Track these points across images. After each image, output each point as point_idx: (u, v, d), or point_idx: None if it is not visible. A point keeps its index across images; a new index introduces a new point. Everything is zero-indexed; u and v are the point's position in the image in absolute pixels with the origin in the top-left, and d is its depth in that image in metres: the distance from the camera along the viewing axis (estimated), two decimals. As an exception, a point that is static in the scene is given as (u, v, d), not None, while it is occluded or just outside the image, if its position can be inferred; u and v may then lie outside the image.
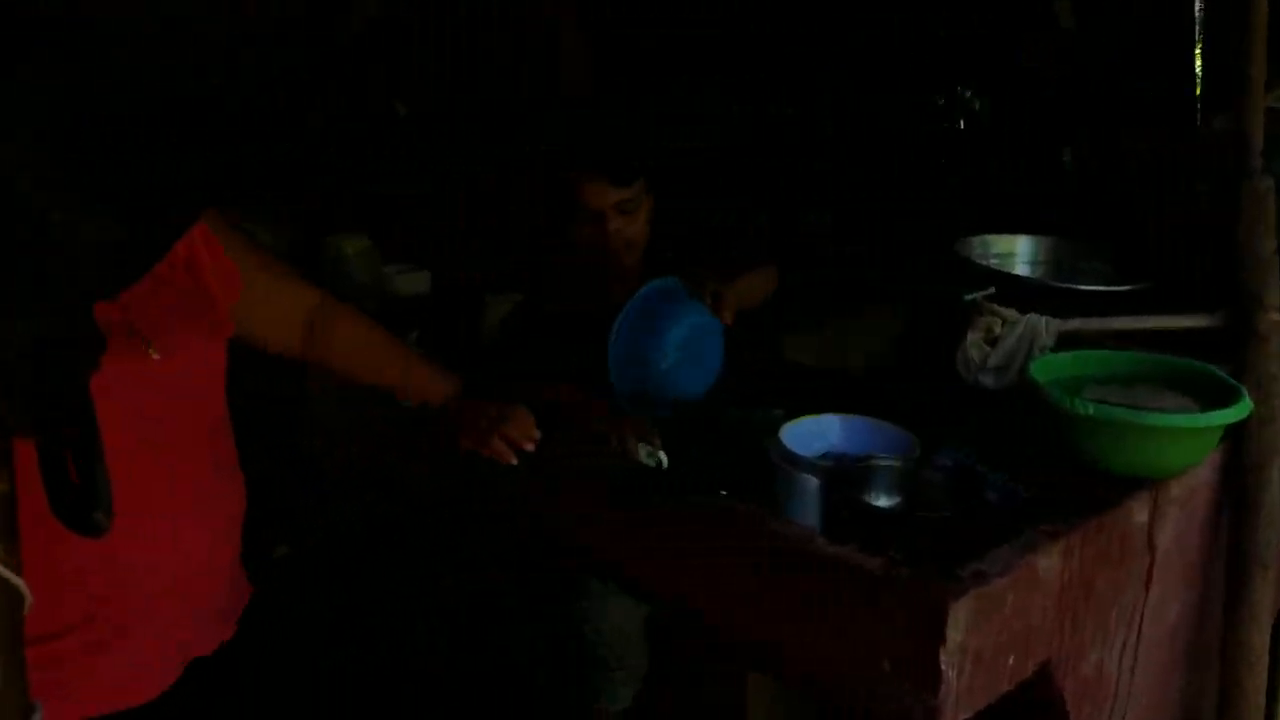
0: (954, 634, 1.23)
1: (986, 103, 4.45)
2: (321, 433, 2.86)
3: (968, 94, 4.72)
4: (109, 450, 1.19)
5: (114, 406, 1.19)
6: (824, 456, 1.77)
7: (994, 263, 2.28)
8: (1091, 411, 1.45)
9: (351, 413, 2.86)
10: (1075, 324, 1.77)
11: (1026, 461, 1.66)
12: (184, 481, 1.37)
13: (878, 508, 1.58)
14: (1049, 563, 1.35)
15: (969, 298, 1.84)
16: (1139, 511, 1.50)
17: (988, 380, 1.78)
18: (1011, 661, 1.33)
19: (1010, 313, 1.80)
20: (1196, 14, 3.96)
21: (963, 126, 4.67)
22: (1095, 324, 1.77)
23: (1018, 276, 2.08)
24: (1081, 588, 1.43)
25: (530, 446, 1.70)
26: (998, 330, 1.80)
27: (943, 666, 1.22)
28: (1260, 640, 1.78)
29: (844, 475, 1.61)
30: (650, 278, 2.10)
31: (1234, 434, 1.69)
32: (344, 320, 1.70)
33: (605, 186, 1.99)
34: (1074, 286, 1.95)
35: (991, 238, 2.41)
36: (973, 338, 1.81)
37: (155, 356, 1.32)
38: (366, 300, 3.07)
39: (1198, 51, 3.97)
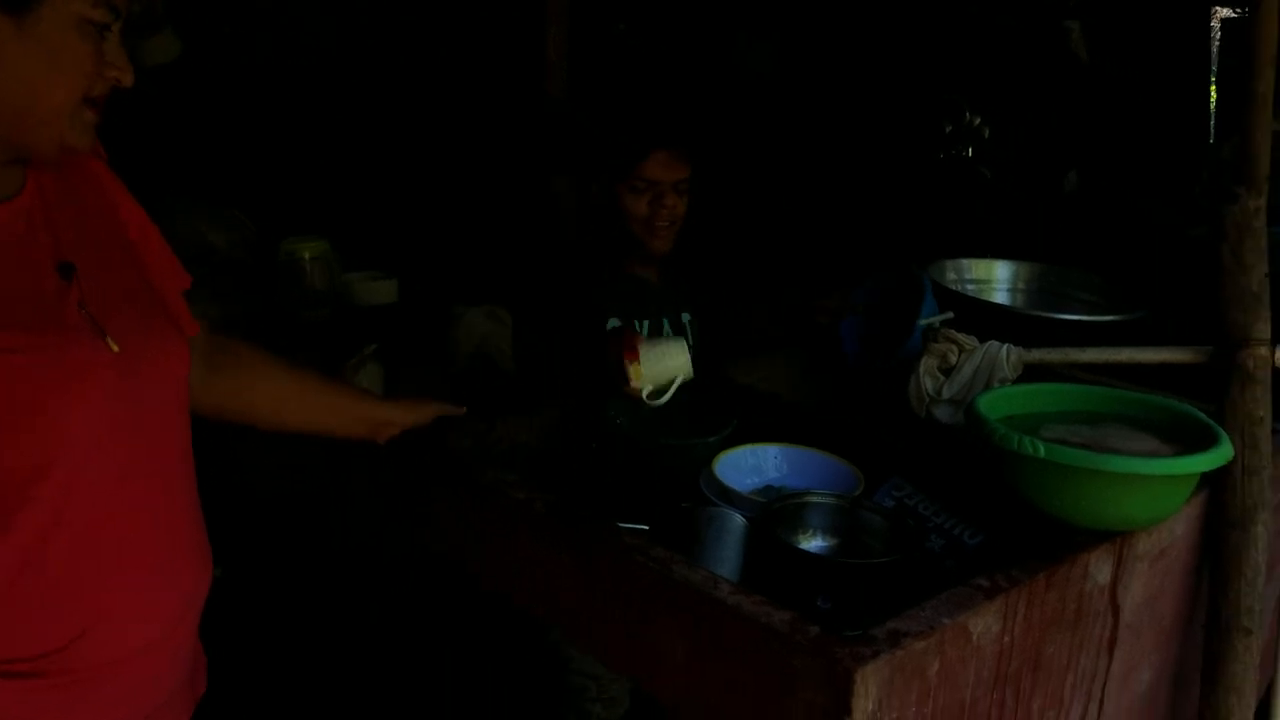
0: (863, 704, 1.06)
1: (990, 129, 4.31)
2: (258, 454, 2.72)
3: (976, 121, 4.59)
4: (57, 468, 1.06)
5: (68, 414, 1.06)
6: (761, 491, 1.62)
7: (969, 289, 2.11)
8: (1042, 452, 1.28)
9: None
10: (1039, 354, 1.60)
11: (979, 507, 1.49)
12: (147, 521, 1.16)
13: (804, 551, 1.42)
14: (984, 624, 1.18)
15: (923, 323, 1.67)
16: (1099, 568, 1.33)
17: (942, 414, 1.61)
18: (937, 738, 1.16)
19: (968, 340, 1.63)
20: (1213, 43, 3.81)
21: (970, 154, 4.54)
22: (1062, 354, 1.60)
23: (980, 301, 1.91)
24: (1026, 654, 1.25)
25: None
26: (954, 359, 1.63)
27: (849, 742, 1.05)
28: (1242, 715, 1.59)
29: (773, 513, 1.45)
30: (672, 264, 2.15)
31: (1214, 483, 1.51)
32: (246, 347, 1.48)
33: (672, 161, 2.03)
34: (1044, 315, 1.78)
35: (969, 261, 2.24)
36: (926, 366, 1.64)
37: (114, 349, 1.12)
38: (322, 308, 2.93)
39: (1213, 82, 3.82)
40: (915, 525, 1.47)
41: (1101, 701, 1.42)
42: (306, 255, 2.92)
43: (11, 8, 1.04)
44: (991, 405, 1.45)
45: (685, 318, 2.15)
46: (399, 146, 3.27)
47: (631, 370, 1.64)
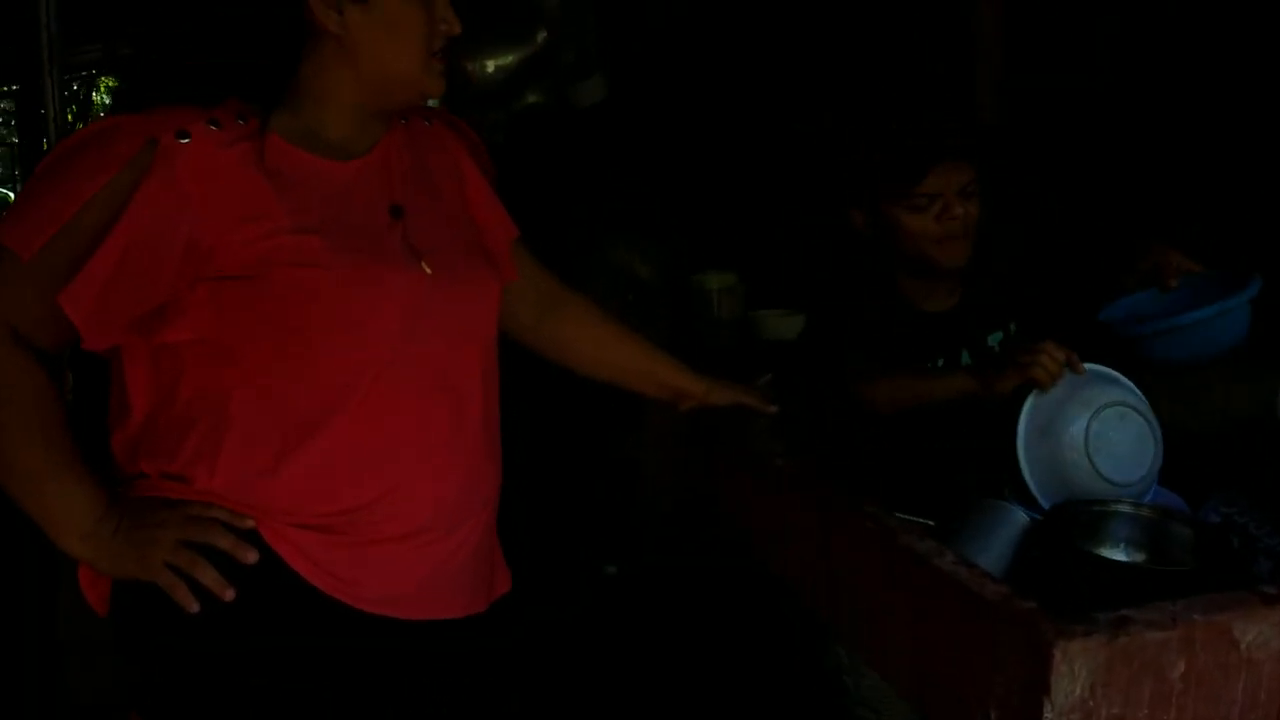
0: (1065, 685, 0.94)
1: None
2: (658, 452, 2.89)
3: None
4: (373, 365, 1.26)
5: (385, 320, 1.27)
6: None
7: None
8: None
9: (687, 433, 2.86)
10: None
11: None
12: (443, 420, 1.33)
13: (1087, 551, 1.27)
14: (1259, 633, 0.99)
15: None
16: None
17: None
18: (1192, 759, 0.99)
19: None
20: None
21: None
22: None
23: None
24: (1335, 688, 1.03)
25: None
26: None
27: (1047, 726, 0.94)
28: None
29: (1065, 515, 1.33)
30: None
31: None
32: (582, 305, 1.67)
33: (952, 166, 1.81)
34: None
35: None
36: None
37: (427, 271, 1.32)
38: (725, 334, 3.07)
39: None
40: (1240, 545, 1.26)
41: None
42: (715, 286, 3.11)
43: None
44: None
45: (996, 338, 1.92)
46: (806, 189, 3.35)
47: None
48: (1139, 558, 1.32)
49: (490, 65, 2.71)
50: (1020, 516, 1.33)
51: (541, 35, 2.74)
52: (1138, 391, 1.48)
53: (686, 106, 3.23)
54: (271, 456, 1.25)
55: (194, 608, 1.20)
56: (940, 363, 1.91)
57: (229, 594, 1.20)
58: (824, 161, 2.97)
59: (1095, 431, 1.39)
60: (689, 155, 3.24)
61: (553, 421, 2.83)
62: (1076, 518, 1.33)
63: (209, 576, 1.20)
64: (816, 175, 3.27)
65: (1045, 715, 0.94)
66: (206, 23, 1.28)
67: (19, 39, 2.99)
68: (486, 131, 2.80)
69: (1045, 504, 1.39)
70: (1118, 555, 1.32)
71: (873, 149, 1.90)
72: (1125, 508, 1.34)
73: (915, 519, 1.41)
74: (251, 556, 1.23)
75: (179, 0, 1.32)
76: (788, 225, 3.38)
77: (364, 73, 1.30)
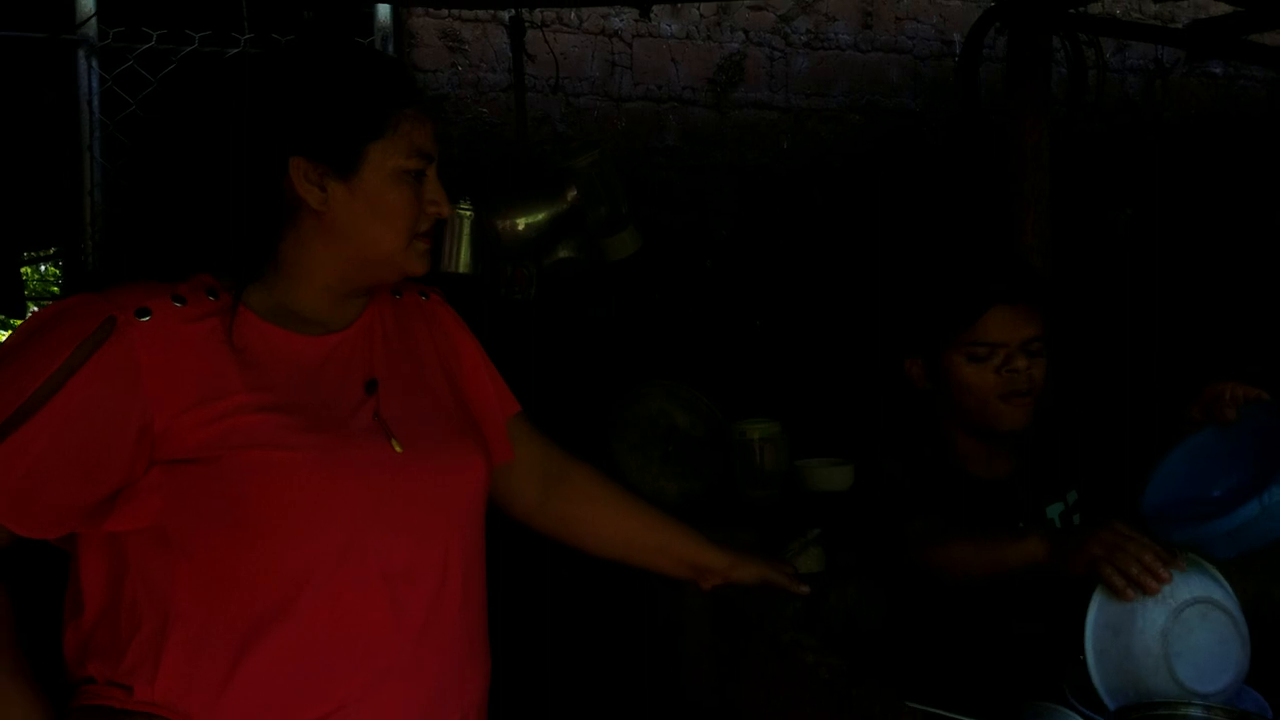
0: None
1: None
2: (699, 620, 2.76)
3: None
4: (332, 553, 1.15)
5: (347, 503, 1.17)
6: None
7: None
8: None
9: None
10: None
11: None
12: (414, 615, 1.21)
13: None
14: None
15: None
16: None
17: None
18: None
19: None
20: None
21: None
22: None
23: None
24: None
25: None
26: None
27: None
28: None
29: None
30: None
31: None
32: (588, 477, 1.56)
33: (1015, 315, 1.71)
34: None
35: None
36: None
37: (398, 449, 1.22)
38: (770, 488, 2.96)
39: None
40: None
41: None
42: (756, 436, 3.00)
43: (342, 172, 1.21)
44: None
45: (1056, 510, 1.76)
46: (853, 335, 3.29)
47: None
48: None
49: (521, 223, 2.68)
50: (1075, 722, 1.20)
51: (572, 194, 2.72)
52: (1220, 579, 1.35)
53: (727, 253, 3.20)
54: (216, 662, 1.14)
55: None
56: None
57: None
58: (878, 308, 2.89)
59: (1175, 634, 1.25)
60: (728, 301, 3.20)
61: (590, 583, 2.71)
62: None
63: None
64: (866, 321, 3.21)
65: None
66: (185, 195, 1.21)
67: (63, 204, 3.05)
68: (517, 287, 2.77)
69: (1112, 706, 1.25)
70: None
71: (931, 289, 1.81)
72: (1197, 711, 1.20)
73: (963, 720, 1.28)
74: None
75: (158, 174, 1.26)
76: (833, 371, 3.30)
77: (344, 251, 1.23)
